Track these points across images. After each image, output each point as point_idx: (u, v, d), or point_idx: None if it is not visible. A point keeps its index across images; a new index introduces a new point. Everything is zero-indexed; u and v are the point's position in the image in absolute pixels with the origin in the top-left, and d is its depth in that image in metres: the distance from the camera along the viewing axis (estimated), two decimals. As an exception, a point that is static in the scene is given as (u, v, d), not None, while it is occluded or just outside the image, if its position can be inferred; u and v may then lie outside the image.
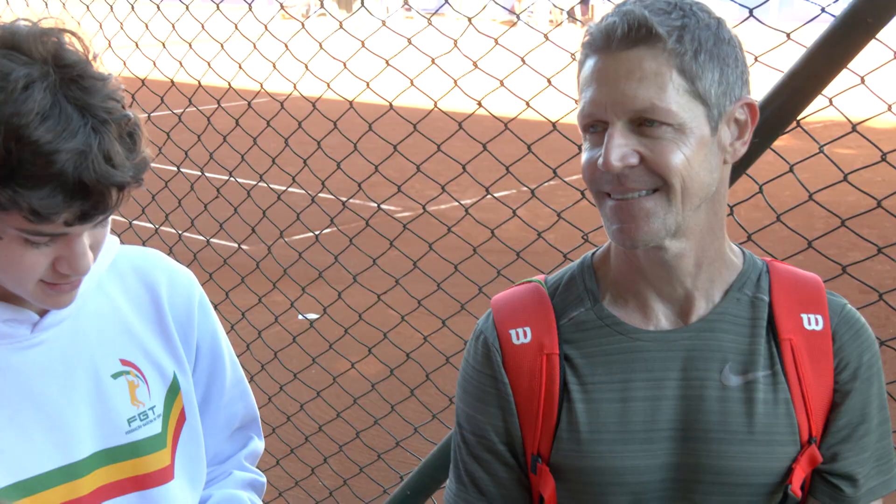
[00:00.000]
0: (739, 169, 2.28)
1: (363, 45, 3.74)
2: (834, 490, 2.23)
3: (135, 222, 5.50)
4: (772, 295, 2.24)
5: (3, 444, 2.15)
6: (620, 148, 2.01)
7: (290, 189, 4.82)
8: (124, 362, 2.34)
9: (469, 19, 3.48)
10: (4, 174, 1.87)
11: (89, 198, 1.93)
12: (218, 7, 4.44)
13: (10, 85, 1.87)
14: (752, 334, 2.21)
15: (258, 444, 2.72)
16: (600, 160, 2.03)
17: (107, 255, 2.29)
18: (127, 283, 2.39)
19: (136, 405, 2.33)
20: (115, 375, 2.32)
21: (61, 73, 1.92)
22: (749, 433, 2.17)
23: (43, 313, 2.21)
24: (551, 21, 25.23)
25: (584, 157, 2.11)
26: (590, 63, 2.08)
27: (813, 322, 2.22)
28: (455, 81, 3.48)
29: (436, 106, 3.71)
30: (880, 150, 2.92)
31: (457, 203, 4.07)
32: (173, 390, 2.42)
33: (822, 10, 2.93)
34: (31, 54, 1.91)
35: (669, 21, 2.02)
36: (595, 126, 2.08)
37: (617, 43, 2.03)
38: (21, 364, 2.18)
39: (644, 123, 2.02)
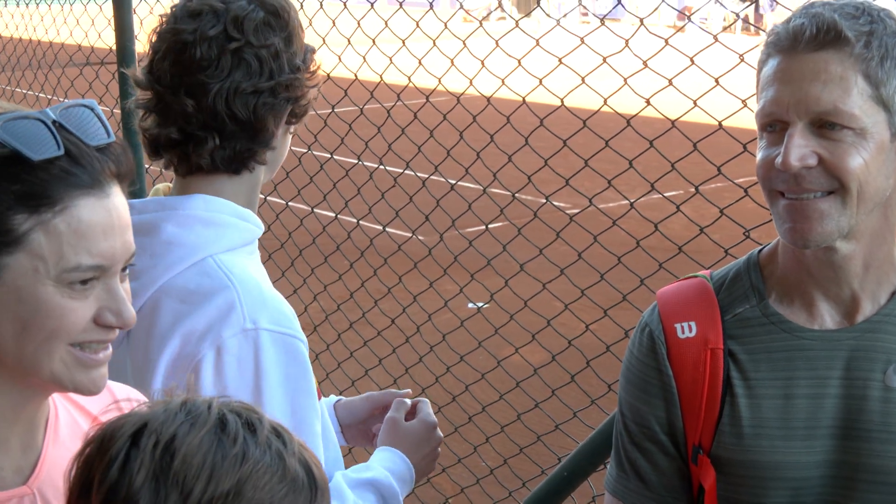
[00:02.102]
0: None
1: (538, 44, 3.67)
2: None
3: (316, 210, 5.54)
4: None
5: None
6: (800, 148, 1.93)
7: (461, 182, 4.79)
8: None
9: (641, 20, 3.40)
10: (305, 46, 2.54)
11: None
12: (401, 6, 4.42)
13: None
14: None
15: None
16: (778, 159, 1.95)
17: None
18: None
19: None
20: None
21: None
22: None
23: None
24: (724, 28, 24.70)
25: (759, 155, 2.04)
26: (773, 62, 2.00)
27: None
28: (625, 80, 3.41)
29: (605, 103, 3.63)
30: None
31: (625, 201, 3.98)
32: None
33: None
34: None
35: (858, 26, 1.94)
36: (774, 125, 2.00)
37: (804, 44, 1.95)
38: (257, 264, 2.56)
39: (825, 126, 1.94)
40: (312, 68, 2.55)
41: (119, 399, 1.88)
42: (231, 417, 1.61)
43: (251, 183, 2.54)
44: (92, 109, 1.73)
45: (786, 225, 2.03)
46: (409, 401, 2.81)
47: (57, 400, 1.90)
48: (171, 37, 2.43)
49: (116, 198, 1.72)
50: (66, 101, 1.74)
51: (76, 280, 1.66)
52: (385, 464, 2.64)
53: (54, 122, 1.67)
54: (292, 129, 2.57)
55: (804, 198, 1.98)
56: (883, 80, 1.95)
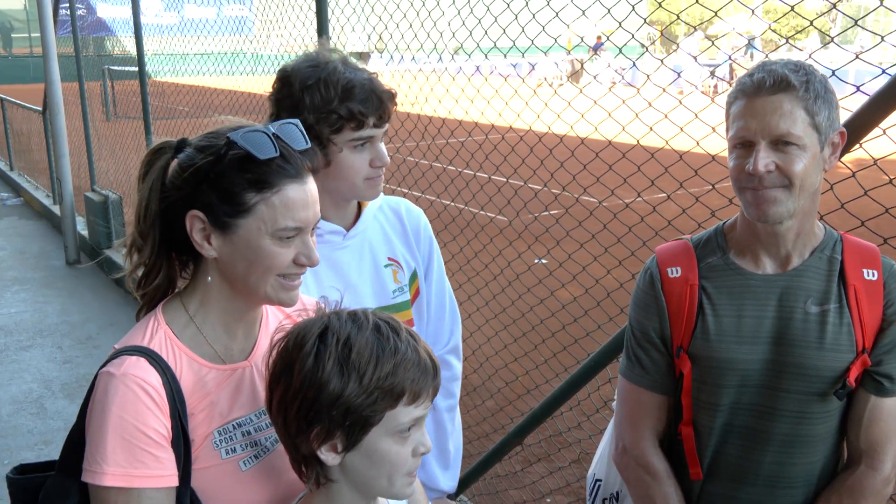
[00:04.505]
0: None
1: (581, 92, 3.56)
2: (877, 384, 2.00)
3: (439, 198, 5.50)
4: (843, 255, 2.03)
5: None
6: (764, 159, 1.86)
7: (529, 183, 4.70)
8: (390, 258, 2.42)
9: (648, 76, 3.26)
10: (342, 97, 2.09)
11: (382, 104, 2.14)
12: (496, 70, 4.32)
13: (323, 63, 2.15)
14: (827, 280, 2.00)
15: (458, 339, 2.65)
16: (748, 166, 1.88)
17: (377, 201, 2.42)
18: (385, 213, 2.46)
19: (396, 283, 2.42)
20: (386, 266, 2.41)
21: (344, 59, 2.18)
22: (821, 344, 1.97)
23: (348, 228, 2.34)
24: (704, 92, 23.97)
25: (732, 164, 1.95)
26: (740, 102, 1.91)
27: (871, 274, 2.00)
28: (637, 114, 3.28)
29: (623, 129, 3.51)
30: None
31: (634, 192, 3.86)
32: (413, 276, 2.48)
33: (857, 88, 2.58)
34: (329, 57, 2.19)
35: (799, 77, 1.86)
36: (743, 144, 1.91)
37: (765, 90, 1.86)
38: (337, 258, 2.33)
39: (780, 143, 1.86)
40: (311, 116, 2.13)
41: (306, 305, 1.86)
42: (381, 323, 1.58)
43: (319, 183, 2.33)
44: (296, 126, 1.70)
45: (751, 208, 1.95)
46: None
47: (268, 306, 1.88)
48: None
49: (310, 184, 1.69)
50: (282, 119, 1.72)
51: (284, 236, 1.64)
52: None
53: (273, 133, 1.65)
54: (326, 164, 2.16)
55: (765, 191, 1.91)
56: (816, 112, 1.87)
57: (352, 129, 2.13)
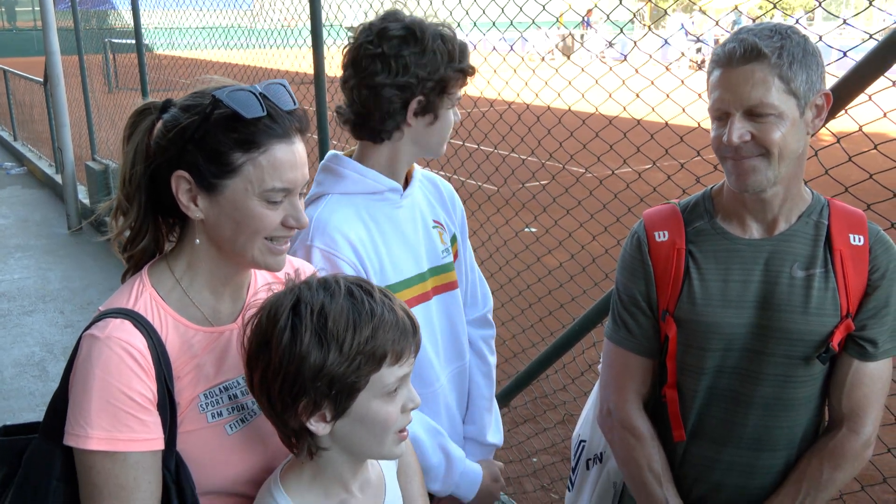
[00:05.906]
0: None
1: (568, 58, 3.46)
2: (860, 348, 1.93)
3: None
4: (830, 220, 1.94)
5: (396, 260, 2.24)
6: (739, 130, 1.78)
7: (513, 153, 4.61)
8: (435, 221, 2.39)
9: (634, 42, 3.15)
10: (454, 58, 2.10)
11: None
12: (494, 48, 4.22)
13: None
14: (814, 245, 1.92)
15: (490, 302, 2.65)
16: (725, 137, 1.80)
17: (420, 171, 2.41)
18: (424, 183, 2.43)
19: (443, 244, 2.39)
20: (433, 227, 2.37)
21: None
22: (806, 308, 1.89)
23: (404, 188, 2.30)
24: (691, 66, 23.59)
25: (713, 134, 1.87)
26: (716, 73, 1.82)
27: (857, 240, 1.93)
28: (623, 81, 3.18)
29: (610, 96, 3.42)
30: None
31: (620, 160, 3.78)
32: (453, 239, 2.46)
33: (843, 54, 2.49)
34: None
35: (772, 43, 1.75)
36: (721, 116, 1.82)
37: (736, 61, 1.77)
38: (397, 216, 2.26)
39: (754, 113, 1.77)
40: (433, 77, 2.07)
41: (296, 267, 1.78)
42: (353, 287, 1.49)
43: (390, 151, 2.21)
44: (284, 86, 1.61)
45: (732, 177, 1.87)
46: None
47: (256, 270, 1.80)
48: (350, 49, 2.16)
49: (299, 145, 1.59)
50: (267, 80, 1.62)
51: (272, 198, 1.56)
52: (472, 466, 2.41)
53: (260, 93, 1.56)
54: (433, 119, 2.14)
55: (744, 160, 1.82)
56: (792, 78, 1.76)
57: (460, 87, 2.16)
